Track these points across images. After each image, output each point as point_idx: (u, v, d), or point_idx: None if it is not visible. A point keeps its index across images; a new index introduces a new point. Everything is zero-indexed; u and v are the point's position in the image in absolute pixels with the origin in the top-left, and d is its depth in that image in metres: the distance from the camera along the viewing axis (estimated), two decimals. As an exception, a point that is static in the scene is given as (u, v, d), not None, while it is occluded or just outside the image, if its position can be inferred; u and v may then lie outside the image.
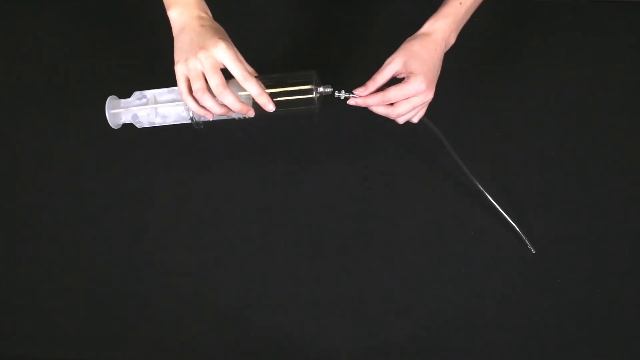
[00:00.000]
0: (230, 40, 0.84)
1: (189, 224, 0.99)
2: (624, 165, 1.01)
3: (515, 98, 1.07)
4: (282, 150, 1.04)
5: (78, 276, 0.96)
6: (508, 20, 1.14)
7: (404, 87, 0.84)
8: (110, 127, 0.93)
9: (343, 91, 0.87)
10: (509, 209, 0.95)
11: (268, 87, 0.85)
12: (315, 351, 0.91)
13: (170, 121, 0.94)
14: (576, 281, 0.94)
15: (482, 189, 0.94)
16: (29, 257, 0.98)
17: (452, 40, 0.90)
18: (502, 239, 0.96)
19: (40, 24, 1.17)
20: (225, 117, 0.90)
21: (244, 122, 0.92)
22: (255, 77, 0.86)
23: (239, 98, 0.84)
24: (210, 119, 0.88)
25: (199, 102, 0.84)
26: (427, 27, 0.89)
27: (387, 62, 0.86)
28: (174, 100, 0.92)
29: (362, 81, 0.86)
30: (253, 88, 0.83)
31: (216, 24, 0.86)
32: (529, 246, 0.95)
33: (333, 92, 0.87)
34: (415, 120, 0.90)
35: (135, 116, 0.93)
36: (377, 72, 0.86)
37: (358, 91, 0.86)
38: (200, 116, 0.89)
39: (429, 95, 0.85)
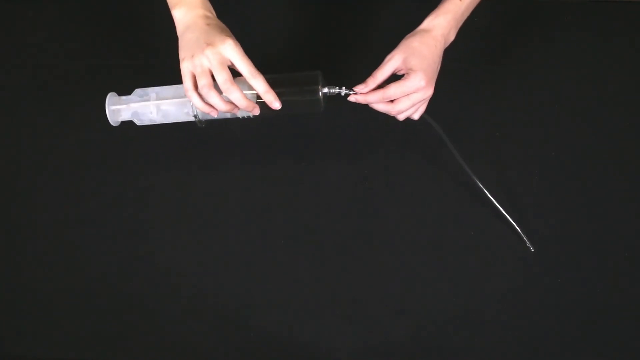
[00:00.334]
0: (236, 39, 0.84)
1: (189, 223, 0.99)
2: (624, 165, 1.01)
3: (515, 98, 1.07)
4: (282, 150, 1.04)
5: (78, 276, 0.96)
6: (508, 20, 1.14)
7: (403, 84, 0.84)
8: (111, 126, 0.93)
9: (344, 87, 0.87)
10: (509, 208, 0.95)
11: (273, 86, 0.85)
12: (315, 351, 0.91)
13: (171, 119, 0.93)
14: (576, 281, 0.94)
15: (481, 185, 0.94)
16: (29, 257, 0.98)
17: (452, 37, 0.90)
18: (502, 239, 0.96)
19: (40, 24, 1.16)
20: (229, 116, 0.90)
21: (244, 122, 0.92)
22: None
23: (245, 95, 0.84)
24: (215, 116, 0.88)
25: (205, 99, 0.84)
26: (426, 23, 0.89)
27: (387, 59, 0.86)
28: (176, 98, 0.92)
29: (361, 80, 0.86)
30: (260, 85, 0.83)
31: (221, 23, 0.87)
32: (528, 244, 0.95)
33: (338, 93, 0.87)
34: (415, 117, 0.90)
35: (135, 113, 0.93)
36: (377, 69, 0.86)
37: (358, 88, 0.86)
38: (204, 114, 0.88)
39: (429, 92, 0.85)
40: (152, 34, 1.11)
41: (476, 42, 1.09)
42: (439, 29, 0.88)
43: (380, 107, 0.87)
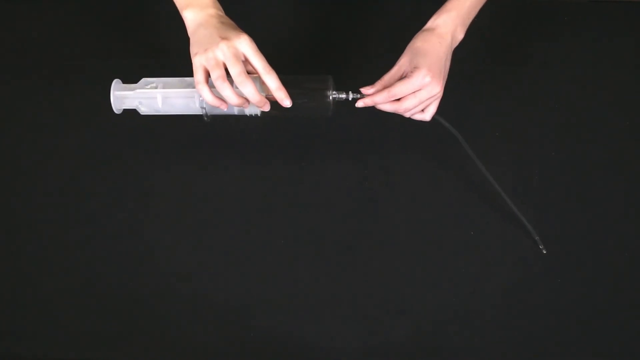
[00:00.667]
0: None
1: (189, 223, 0.99)
2: (624, 165, 1.01)
3: (516, 98, 1.07)
4: (282, 150, 1.04)
5: (78, 276, 0.96)
6: (508, 20, 1.14)
7: (408, 81, 0.84)
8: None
9: (350, 92, 0.88)
10: (509, 208, 0.95)
11: (284, 86, 0.85)
12: (315, 351, 0.91)
13: (176, 110, 0.92)
14: (576, 281, 0.94)
15: (499, 189, 0.94)
16: (29, 257, 0.98)
17: (460, 35, 0.90)
18: (502, 239, 0.96)
19: (41, 24, 1.17)
20: (235, 112, 0.89)
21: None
22: None
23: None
24: (224, 110, 0.88)
25: (218, 91, 0.83)
26: (430, 23, 0.90)
27: (395, 64, 0.87)
28: (183, 88, 0.90)
29: (364, 82, 0.87)
30: (273, 81, 0.83)
31: (234, 23, 0.87)
32: (541, 247, 0.94)
33: (346, 98, 0.87)
34: (427, 117, 0.90)
35: (140, 101, 0.91)
36: (385, 74, 0.87)
37: (365, 89, 0.86)
38: (212, 108, 0.88)
39: (436, 89, 0.85)
40: (153, 34, 1.11)
41: (476, 42, 1.08)
42: (443, 27, 0.88)
43: (387, 107, 0.87)
